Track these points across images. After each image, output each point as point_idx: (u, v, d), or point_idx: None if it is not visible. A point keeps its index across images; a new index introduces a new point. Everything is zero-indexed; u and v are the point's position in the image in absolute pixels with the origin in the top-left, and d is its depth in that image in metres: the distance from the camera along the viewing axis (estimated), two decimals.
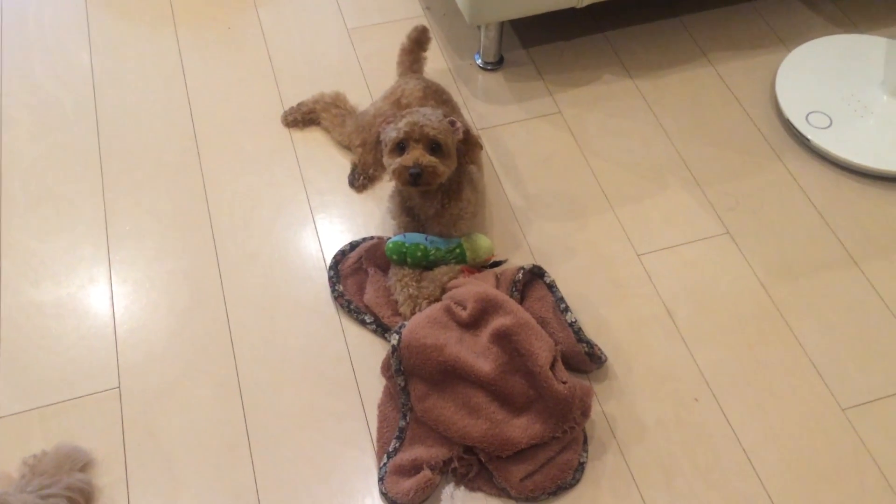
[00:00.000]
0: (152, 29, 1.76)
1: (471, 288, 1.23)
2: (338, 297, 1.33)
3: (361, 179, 1.50)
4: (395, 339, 1.18)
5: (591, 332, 1.31)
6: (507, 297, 1.21)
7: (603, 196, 1.50)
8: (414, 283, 1.29)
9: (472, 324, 1.20)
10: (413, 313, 1.26)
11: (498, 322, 1.18)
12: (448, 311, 1.21)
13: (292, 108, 1.59)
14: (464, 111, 1.59)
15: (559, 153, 1.56)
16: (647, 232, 1.44)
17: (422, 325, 1.18)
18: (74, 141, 1.56)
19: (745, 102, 1.64)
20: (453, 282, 1.28)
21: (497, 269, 1.34)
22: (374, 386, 1.24)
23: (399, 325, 1.21)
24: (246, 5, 1.81)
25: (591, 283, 1.37)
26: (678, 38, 1.76)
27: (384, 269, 1.35)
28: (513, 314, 1.18)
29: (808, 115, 1.55)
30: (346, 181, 1.51)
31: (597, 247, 1.43)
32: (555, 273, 1.33)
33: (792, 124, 1.56)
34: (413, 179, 1.24)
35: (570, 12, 1.63)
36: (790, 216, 1.47)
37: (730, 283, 1.38)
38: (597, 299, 1.35)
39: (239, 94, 1.64)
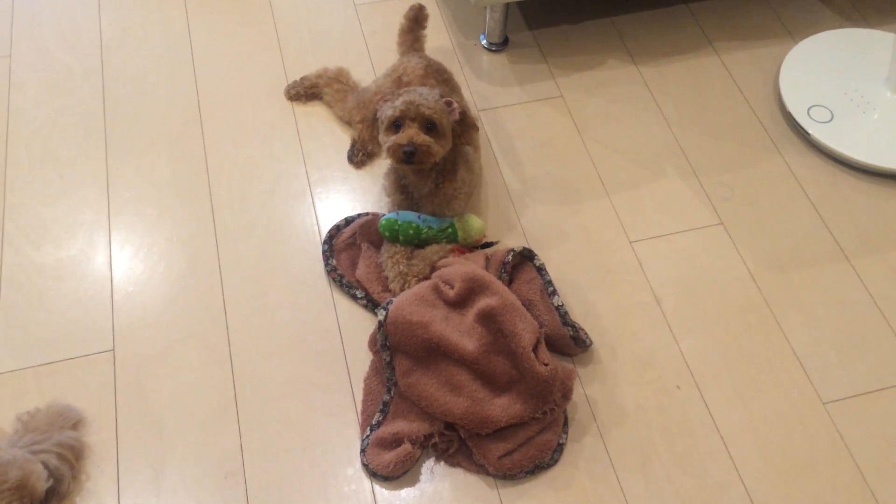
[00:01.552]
0: None
1: (459, 268, 1.24)
2: (331, 271, 1.35)
3: (360, 155, 1.51)
4: (381, 314, 1.20)
5: (578, 316, 1.32)
6: (494, 278, 1.23)
7: (599, 182, 1.50)
8: (404, 261, 1.30)
9: (459, 303, 1.22)
10: (402, 290, 1.28)
11: (484, 302, 1.19)
12: (436, 289, 1.23)
13: (295, 81, 1.60)
14: (466, 91, 1.60)
15: (558, 137, 1.56)
16: (641, 219, 1.45)
17: (409, 301, 1.20)
18: (80, 106, 1.58)
19: (748, 93, 1.64)
20: (443, 261, 1.30)
21: (488, 250, 1.35)
22: (362, 360, 1.27)
23: (387, 300, 1.23)
24: None
25: (582, 268, 1.39)
26: (685, 25, 1.75)
27: (377, 246, 1.37)
28: (499, 295, 1.19)
29: (809, 109, 1.55)
30: (346, 157, 1.52)
31: (590, 232, 1.43)
32: (546, 256, 1.34)
33: (793, 117, 1.55)
34: (407, 157, 1.25)
35: None
36: (785, 209, 1.47)
37: (720, 273, 1.39)
38: (586, 284, 1.37)
39: (244, 65, 1.66)
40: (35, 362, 1.25)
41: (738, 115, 1.61)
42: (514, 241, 1.41)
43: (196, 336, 1.29)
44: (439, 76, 1.47)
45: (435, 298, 1.22)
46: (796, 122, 1.55)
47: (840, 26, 1.73)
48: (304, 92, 1.59)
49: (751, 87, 1.65)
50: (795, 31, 1.73)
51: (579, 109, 1.61)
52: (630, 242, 1.42)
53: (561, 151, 1.55)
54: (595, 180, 1.51)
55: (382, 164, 1.50)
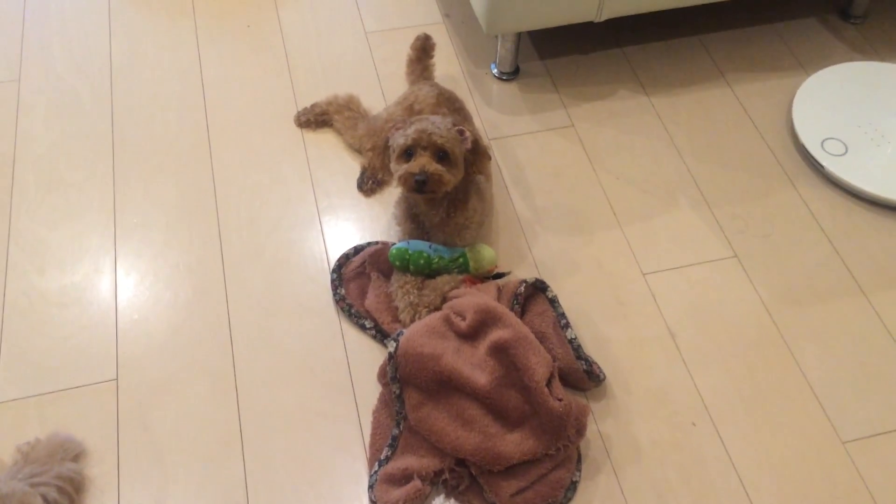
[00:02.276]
0: (172, 21, 1.77)
1: (471, 299, 1.22)
2: (339, 300, 1.33)
3: (370, 183, 1.50)
4: (392, 346, 1.18)
5: (591, 349, 1.30)
6: (506, 310, 1.21)
7: (611, 212, 1.49)
8: (415, 291, 1.28)
9: (471, 335, 1.20)
10: (412, 321, 1.25)
11: (496, 335, 1.17)
12: (447, 320, 1.21)
13: (305, 108, 1.59)
14: (476, 120, 1.59)
15: (570, 167, 1.55)
16: (654, 251, 1.43)
17: (420, 333, 1.18)
18: (88, 130, 1.57)
19: (761, 125, 1.63)
20: (454, 291, 1.27)
21: (499, 281, 1.33)
22: (370, 392, 1.24)
23: (397, 332, 1.21)
24: (266, 4, 1.82)
25: (595, 300, 1.36)
26: (697, 56, 1.75)
27: (387, 275, 1.35)
28: (511, 328, 1.17)
29: (823, 142, 1.54)
30: (355, 184, 1.50)
31: (602, 263, 1.41)
32: (558, 288, 1.32)
33: (807, 150, 1.54)
34: (418, 186, 1.23)
35: (589, 26, 1.62)
36: (800, 242, 1.45)
37: (734, 307, 1.36)
38: (599, 317, 1.34)
39: (254, 91, 1.65)
40: (37, 391, 1.23)
41: (751, 147, 1.59)
42: (525, 272, 1.39)
43: (201, 365, 1.27)
44: (451, 105, 1.46)
45: (446, 330, 1.20)
46: (810, 155, 1.54)
47: (851, 59, 1.73)
48: (315, 119, 1.58)
49: (763, 119, 1.64)
50: (807, 63, 1.73)
51: (591, 139, 1.60)
52: (643, 274, 1.40)
53: (572, 181, 1.53)
54: (607, 211, 1.49)
55: (392, 193, 1.48)
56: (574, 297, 1.36)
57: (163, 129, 1.58)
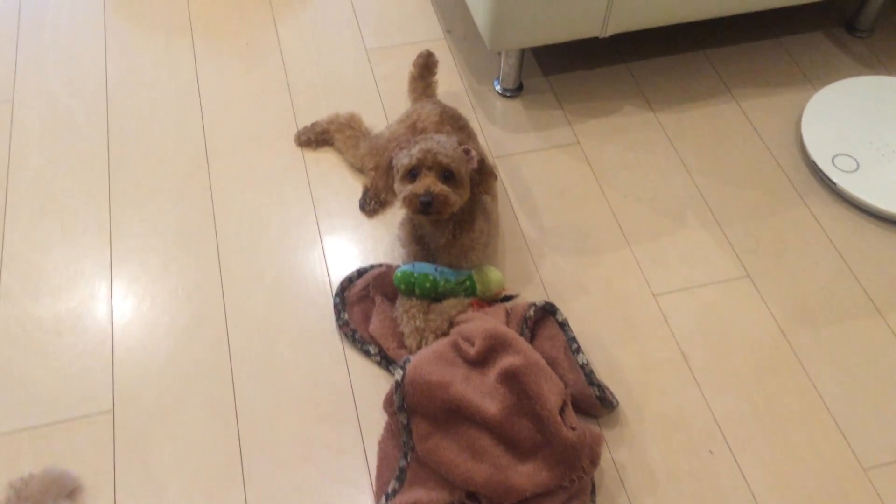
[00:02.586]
0: (169, 39, 1.74)
1: (479, 324, 1.19)
2: (342, 325, 1.29)
3: (373, 204, 1.46)
4: (399, 374, 1.14)
5: (602, 373, 1.26)
6: (516, 336, 1.17)
7: (619, 231, 1.45)
8: (421, 315, 1.25)
9: (480, 361, 1.16)
10: (419, 346, 1.22)
11: (506, 361, 1.13)
12: (455, 346, 1.17)
13: (306, 127, 1.56)
14: (480, 138, 1.56)
15: (576, 185, 1.52)
16: (664, 271, 1.40)
17: (427, 360, 1.14)
18: (84, 151, 1.54)
19: (769, 141, 1.60)
20: (462, 316, 1.24)
21: (508, 304, 1.29)
22: (376, 421, 1.20)
23: (404, 359, 1.17)
24: (265, 21, 1.79)
25: (604, 322, 1.33)
26: (702, 71, 1.72)
27: (391, 299, 1.31)
28: (522, 354, 1.14)
29: (834, 158, 1.51)
30: (357, 205, 1.47)
31: (611, 284, 1.38)
32: (567, 310, 1.29)
33: (817, 166, 1.51)
34: (424, 208, 1.20)
35: (593, 42, 1.59)
36: (813, 261, 1.42)
37: (748, 328, 1.33)
38: (609, 339, 1.31)
39: (253, 110, 1.62)
40: (31, 423, 1.18)
41: (760, 164, 1.57)
42: (532, 293, 1.36)
43: (200, 394, 1.23)
44: (455, 123, 1.43)
45: (454, 357, 1.16)
46: (821, 172, 1.51)
47: (860, 73, 1.70)
48: (315, 138, 1.55)
49: (772, 135, 1.61)
50: (814, 78, 1.71)
51: (597, 156, 1.57)
52: (653, 295, 1.37)
53: (579, 199, 1.50)
54: (615, 229, 1.46)
55: (396, 214, 1.45)
56: (584, 319, 1.32)
57: (160, 150, 1.54)
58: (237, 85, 1.66)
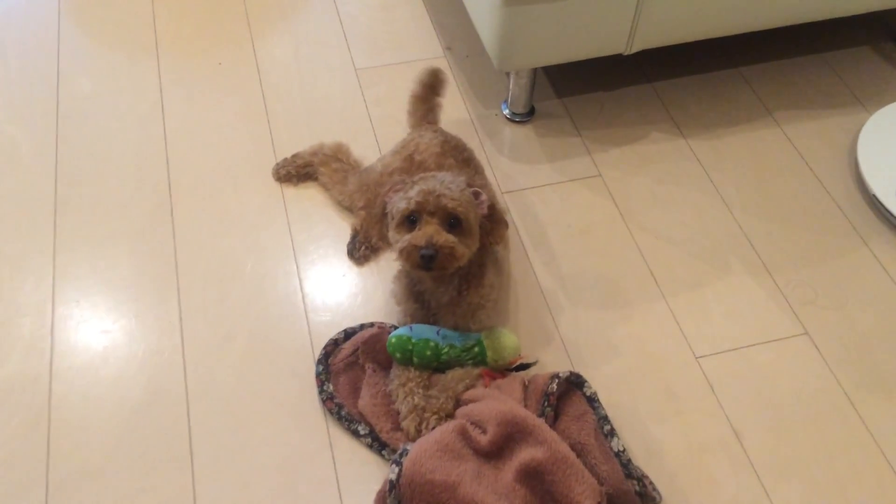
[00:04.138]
0: (131, 60, 1.55)
1: (492, 404, 0.97)
2: (326, 399, 1.08)
3: (363, 249, 1.26)
4: (394, 471, 0.92)
5: (639, 455, 1.05)
6: (537, 421, 0.96)
7: (652, 280, 1.25)
8: (420, 391, 1.04)
9: (494, 453, 0.95)
10: (418, 430, 1.00)
11: (527, 454, 0.92)
12: (463, 434, 0.96)
13: (286, 159, 1.37)
14: (487, 171, 1.36)
15: (599, 225, 1.32)
16: (707, 328, 1.19)
17: (429, 453, 0.93)
18: (27, 188, 1.34)
19: (820, 171, 1.40)
20: (470, 392, 1.03)
21: (525, 375, 1.08)
22: None
23: (401, 450, 0.96)
24: (241, 38, 1.59)
25: (640, 393, 1.12)
26: (738, 92, 1.53)
27: (385, 368, 1.10)
28: (546, 444, 0.93)
29: None
30: (345, 251, 1.27)
31: (645, 345, 1.17)
32: (594, 377, 1.08)
33: (878, 200, 1.32)
34: (425, 262, 0.99)
35: (614, 59, 1.40)
36: (880, 313, 1.22)
37: (811, 398, 1.12)
38: (646, 414, 1.10)
39: (225, 140, 1.42)
40: None
41: (811, 198, 1.36)
42: (552, 357, 1.15)
43: (152, 488, 1.01)
44: (459, 154, 1.24)
45: (462, 447, 0.95)
46: (882, 206, 1.31)
47: None
48: (296, 172, 1.36)
49: (822, 164, 1.41)
50: (866, 98, 1.51)
51: (622, 191, 1.37)
52: (696, 358, 1.16)
53: (603, 241, 1.30)
54: (646, 277, 1.25)
55: (390, 261, 1.25)
56: (614, 388, 1.11)
57: (117, 188, 1.34)
58: (207, 111, 1.47)
